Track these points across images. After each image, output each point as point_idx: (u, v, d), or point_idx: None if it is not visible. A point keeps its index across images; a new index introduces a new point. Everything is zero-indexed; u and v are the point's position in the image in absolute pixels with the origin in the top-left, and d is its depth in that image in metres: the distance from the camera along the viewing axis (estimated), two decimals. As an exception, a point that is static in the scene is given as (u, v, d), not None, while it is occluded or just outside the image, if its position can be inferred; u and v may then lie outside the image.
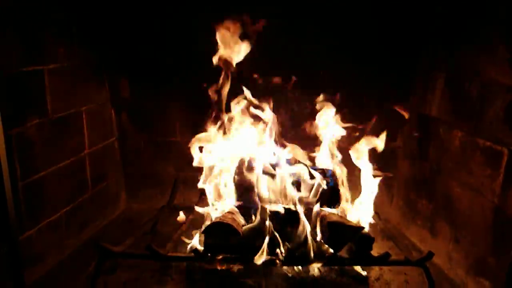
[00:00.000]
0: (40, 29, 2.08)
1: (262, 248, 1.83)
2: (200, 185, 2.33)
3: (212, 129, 2.36)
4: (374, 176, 2.26)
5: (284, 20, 2.48)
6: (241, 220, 1.95)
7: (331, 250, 1.89)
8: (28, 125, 2.00)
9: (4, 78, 1.83)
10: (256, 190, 2.10)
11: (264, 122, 2.36)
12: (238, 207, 2.08)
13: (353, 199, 2.29)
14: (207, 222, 2.07)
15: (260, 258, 1.82)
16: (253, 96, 2.37)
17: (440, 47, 2.38)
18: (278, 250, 1.86)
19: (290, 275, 2.02)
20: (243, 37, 2.30)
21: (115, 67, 2.73)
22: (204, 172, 2.33)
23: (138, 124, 2.88)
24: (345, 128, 2.42)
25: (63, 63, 2.24)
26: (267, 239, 1.87)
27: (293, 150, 2.35)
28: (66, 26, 2.29)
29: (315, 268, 2.04)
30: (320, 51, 2.58)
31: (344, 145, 2.44)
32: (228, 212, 1.98)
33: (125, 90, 2.80)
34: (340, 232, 1.82)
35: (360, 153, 2.32)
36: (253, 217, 2.01)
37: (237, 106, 2.36)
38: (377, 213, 2.39)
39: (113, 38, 2.65)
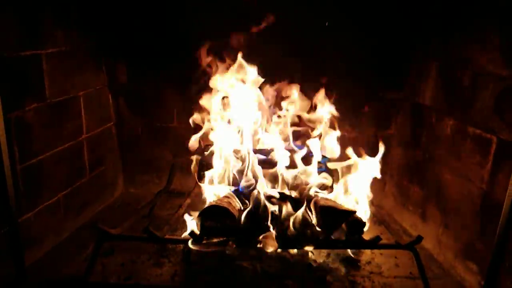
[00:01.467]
0: (38, 13, 2.08)
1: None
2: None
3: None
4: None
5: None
6: (237, 204, 2.00)
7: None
8: (26, 109, 2.02)
9: (3, 62, 1.84)
10: (251, 174, 2.14)
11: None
12: (234, 191, 2.12)
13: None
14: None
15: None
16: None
17: (434, 36, 2.41)
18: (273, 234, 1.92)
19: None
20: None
21: (112, 52, 2.74)
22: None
23: (135, 109, 2.90)
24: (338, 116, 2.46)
25: (61, 47, 2.25)
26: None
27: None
28: (65, 10, 2.30)
29: (308, 251, 2.10)
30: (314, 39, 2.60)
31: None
32: (224, 196, 2.03)
33: (122, 75, 2.82)
34: (332, 216, 1.87)
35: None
36: (249, 202, 2.06)
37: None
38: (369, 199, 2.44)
39: (111, 23, 2.66)
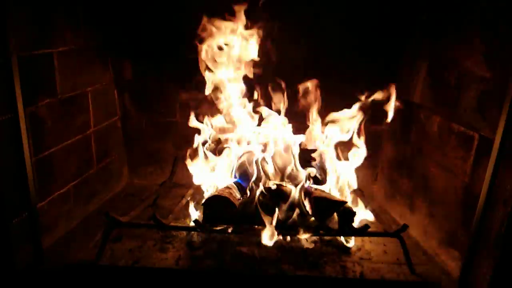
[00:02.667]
0: (51, 14, 2.19)
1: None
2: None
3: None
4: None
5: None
6: (237, 194, 2.14)
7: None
8: (39, 104, 2.14)
9: (18, 61, 1.94)
10: (251, 167, 2.28)
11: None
12: (234, 183, 2.26)
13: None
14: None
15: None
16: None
17: (424, 37, 2.52)
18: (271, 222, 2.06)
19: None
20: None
21: (118, 50, 2.84)
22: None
23: (139, 104, 3.02)
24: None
25: (70, 46, 2.36)
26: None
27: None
28: (73, 10, 2.41)
29: (303, 238, 2.25)
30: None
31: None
32: (225, 187, 2.17)
33: (127, 71, 2.93)
34: (324, 205, 2.01)
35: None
36: (248, 192, 2.20)
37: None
38: (361, 191, 2.59)
39: (116, 22, 2.76)
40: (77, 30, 2.44)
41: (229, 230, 2.06)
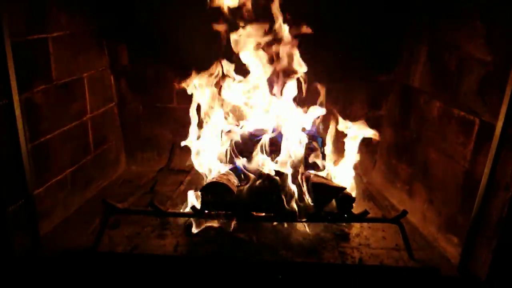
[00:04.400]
0: (45, -1, 2.16)
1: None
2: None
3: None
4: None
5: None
6: (235, 181, 2.13)
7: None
8: (34, 90, 2.11)
9: (12, 46, 1.91)
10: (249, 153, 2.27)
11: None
12: (232, 169, 2.25)
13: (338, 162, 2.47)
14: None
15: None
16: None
17: (424, 21, 2.49)
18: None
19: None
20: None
21: (114, 35, 2.80)
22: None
23: (136, 90, 2.99)
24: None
25: (65, 31, 2.33)
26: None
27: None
28: (68, -6, 2.37)
29: (302, 224, 2.25)
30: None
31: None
32: (223, 174, 2.16)
33: (123, 57, 2.89)
34: (323, 192, 2.00)
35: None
36: (246, 178, 2.18)
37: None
38: (360, 176, 2.58)
39: (111, 6, 2.70)
40: (72, 15, 2.39)
41: (227, 216, 2.05)
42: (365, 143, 2.56)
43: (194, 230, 2.17)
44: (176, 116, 2.99)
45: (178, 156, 2.85)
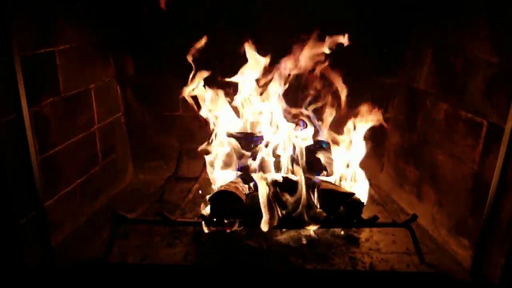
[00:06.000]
0: (51, 13, 2.17)
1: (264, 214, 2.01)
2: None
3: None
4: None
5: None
6: (243, 188, 2.13)
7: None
8: (43, 103, 2.13)
9: (20, 60, 1.92)
10: (257, 160, 2.27)
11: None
12: (240, 176, 2.25)
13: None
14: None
15: (265, 225, 2.00)
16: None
17: (429, 22, 2.49)
18: (277, 215, 2.05)
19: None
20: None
21: (119, 45, 2.81)
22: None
23: (142, 99, 3.00)
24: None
25: (72, 43, 2.34)
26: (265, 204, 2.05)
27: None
28: (73, 8, 2.38)
29: (311, 230, 2.24)
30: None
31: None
32: (231, 182, 2.16)
33: (129, 67, 2.90)
34: (332, 197, 1.99)
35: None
36: (254, 186, 2.18)
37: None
38: (368, 180, 2.57)
39: (116, 16, 2.72)
40: (78, 27, 2.41)
41: (236, 224, 2.06)
42: (373, 145, 2.56)
43: (204, 238, 2.17)
44: (182, 124, 3.01)
45: (185, 163, 2.87)
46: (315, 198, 2.07)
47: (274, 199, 2.05)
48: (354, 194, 2.03)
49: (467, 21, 2.12)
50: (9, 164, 1.83)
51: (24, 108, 1.84)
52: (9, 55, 1.76)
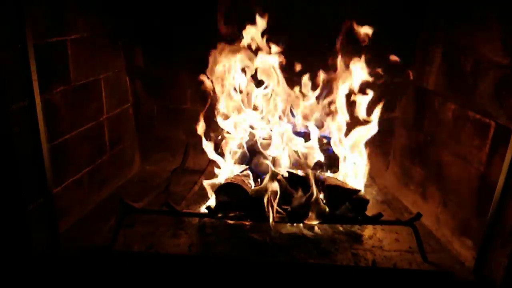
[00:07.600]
0: (64, 2, 2.19)
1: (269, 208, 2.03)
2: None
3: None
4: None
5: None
6: (250, 182, 2.15)
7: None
8: (53, 92, 2.15)
9: (34, 49, 1.95)
10: (263, 155, 2.28)
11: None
12: (247, 170, 2.27)
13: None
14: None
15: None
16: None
17: (439, 22, 2.48)
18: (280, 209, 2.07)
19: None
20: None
21: (129, 36, 2.83)
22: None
23: (151, 91, 3.02)
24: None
25: (83, 33, 2.36)
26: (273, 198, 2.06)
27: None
28: (85, -2, 2.41)
29: (315, 225, 2.25)
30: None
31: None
32: (238, 175, 2.18)
33: (139, 58, 2.92)
34: (337, 193, 2.01)
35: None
36: (261, 180, 2.20)
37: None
38: (373, 178, 2.58)
39: (127, 9, 2.74)
40: (89, 18, 2.43)
41: (242, 217, 2.07)
42: (379, 144, 2.56)
43: (209, 230, 2.19)
44: (189, 117, 3.00)
45: (192, 156, 2.88)
46: (320, 193, 2.09)
47: (275, 197, 2.06)
48: (359, 191, 2.04)
49: (478, 22, 2.11)
50: (19, 151, 1.86)
51: (36, 95, 1.87)
52: (23, 43, 1.78)
